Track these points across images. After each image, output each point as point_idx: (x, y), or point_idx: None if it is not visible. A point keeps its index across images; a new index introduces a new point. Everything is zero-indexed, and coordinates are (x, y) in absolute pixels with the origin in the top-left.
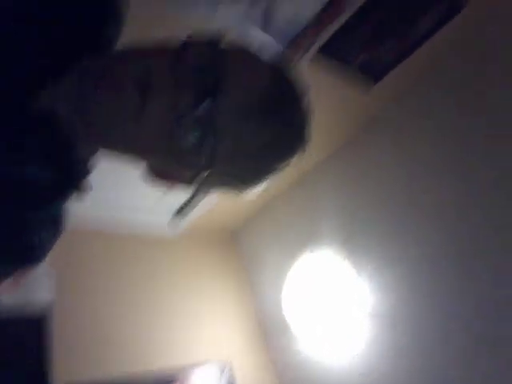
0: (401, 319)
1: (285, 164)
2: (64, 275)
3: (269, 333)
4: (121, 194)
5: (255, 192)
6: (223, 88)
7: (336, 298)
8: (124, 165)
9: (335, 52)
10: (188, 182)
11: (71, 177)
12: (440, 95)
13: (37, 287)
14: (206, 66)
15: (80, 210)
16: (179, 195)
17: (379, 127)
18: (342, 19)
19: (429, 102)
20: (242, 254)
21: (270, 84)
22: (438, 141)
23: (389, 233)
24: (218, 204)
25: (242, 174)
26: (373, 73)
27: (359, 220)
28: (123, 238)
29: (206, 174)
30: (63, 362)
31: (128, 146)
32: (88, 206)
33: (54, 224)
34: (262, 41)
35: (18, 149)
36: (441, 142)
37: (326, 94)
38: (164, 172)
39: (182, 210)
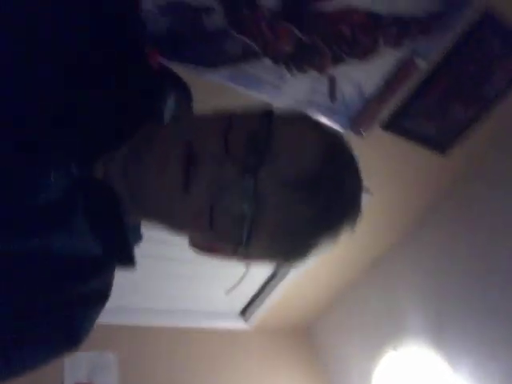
0: None
1: (333, 240)
2: (130, 371)
3: None
4: (186, 285)
5: (301, 265)
6: (270, 161)
7: None
8: (189, 257)
9: (400, 124)
10: (231, 254)
11: (120, 248)
12: None
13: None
14: (255, 137)
15: (146, 303)
16: (250, 285)
17: (453, 199)
18: (406, 92)
19: (504, 168)
20: (318, 350)
21: (323, 160)
22: None
23: (488, 316)
24: (290, 297)
25: (285, 249)
26: (441, 142)
27: (449, 304)
28: (190, 331)
29: (247, 248)
30: None
31: (171, 220)
32: (153, 299)
33: (98, 300)
34: (325, 116)
35: (68, 220)
36: None
37: (394, 170)
38: (206, 245)
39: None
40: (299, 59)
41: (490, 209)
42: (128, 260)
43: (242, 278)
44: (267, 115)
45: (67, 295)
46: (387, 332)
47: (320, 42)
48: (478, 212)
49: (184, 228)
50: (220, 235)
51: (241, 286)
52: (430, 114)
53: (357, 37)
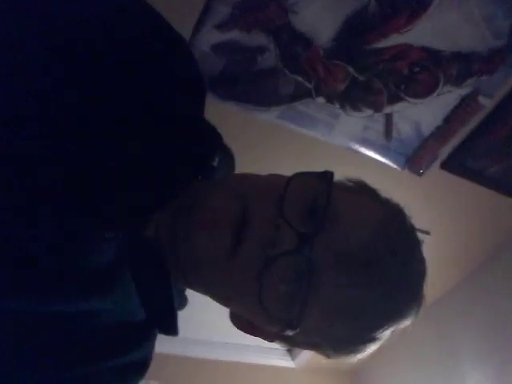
0: None
1: (389, 331)
2: None
3: None
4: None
5: (352, 360)
6: (327, 231)
7: None
8: None
9: (461, 164)
10: (273, 338)
11: (165, 315)
12: None
13: None
14: (313, 203)
15: (195, 334)
16: None
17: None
18: (468, 130)
19: None
20: None
21: (385, 234)
22: None
23: None
24: None
25: (336, 338)
26: (507, 184)
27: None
28: (237, 365)
29: (295, 329)
30: None
31: (213, 290)
32: (202, 330)
33: (138, 370)
34: (379, 154)
35: (116, 283)
36: None
37: (454, 211)
38: (248, 323)
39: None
40: (354, 98)
41: None
42: (171, 327)
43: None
44: (326, 179)
45: (106, 368)
46: (440, 379)
47: (376, 80)
48: None
49: (228, 300)
50: (268, 313)
51: None
52: (495, 154)
53: (415, 74)
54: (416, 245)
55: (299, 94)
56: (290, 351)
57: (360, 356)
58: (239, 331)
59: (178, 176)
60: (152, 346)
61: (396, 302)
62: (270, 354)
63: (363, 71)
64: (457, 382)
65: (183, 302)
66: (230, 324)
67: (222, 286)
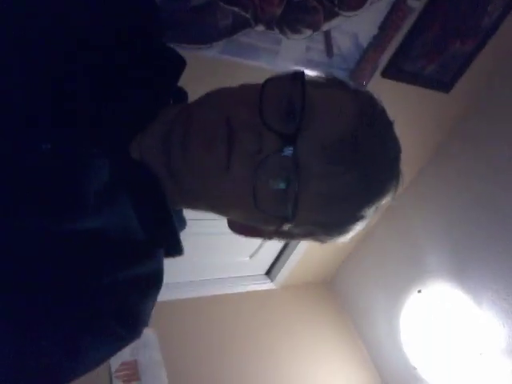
0: None
1: (376, 207)
2: (171, 345)
3: (392, 382)
4: (212, 255)
5: (344, 240)
6: (307, 127)
7: (460, 337)
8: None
9: (400, 69)
10: (271, 235)
11: (167, 234)
12: None
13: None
14: (290, 103)
15: (176, 278)
16: (271, 247)
17: (459, 135)
18: (400, 36)
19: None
20: (343, 301)
21: (361, 120)
22: None
23: (507, 246)
24: (310, 253)
25: (330, 221)
26: (444, 81)
27: (466, 239)
28: (222, 298)
29: (288, 226)
30: None
31: (214, 201)
32: (182, 273)
33: (151, 284)
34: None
35: (117, 200)
36: None
37: (399, 114)
38: (246, 226)
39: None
40: (292, 20)
41: (498, 140)
42: (175, 247)
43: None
44: (299, 78)
45: (119, 279)
46: (409, 275)
47: (310, 0)
48: (486, 145)
49: (228, 208)
50: (265, 213)
51: (263, 249)
52: (429, 53)
53: None
54: (390, 125)
55: (238, 25)
56: (268, 274)
57: (350, 235)
58: (213, 267)
59: (153, 100)
60: (160, 264)
61: (378, 180)
62: (250, 281)
63: None
64: (419, 267)
65: (182, 223)
66: (205, 261)
67: (222, 197)
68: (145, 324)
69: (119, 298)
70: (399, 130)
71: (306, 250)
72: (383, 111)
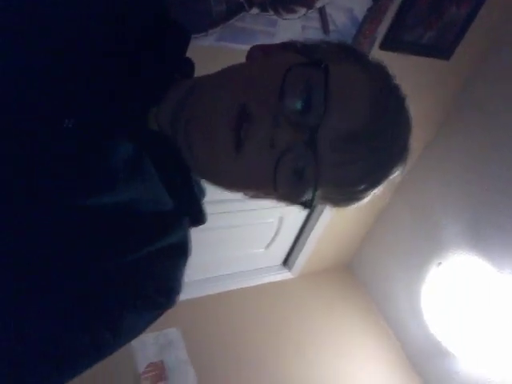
0: None
1: (389, 180)
2: (195, 342)
3: (420, 359)
4: (224, 249)
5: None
6: (326, 119)
7: (485, 306)
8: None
9: (399, 40)
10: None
11: (190, 202)
12: None
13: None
14: (310, 97)
15: (194, 276)
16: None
17: (466, 102)
18: (395, 6)
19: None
20: (363, 283)
21: (376, 109)
22: None
23: None
24: (325, 239)
25: (343, 199)
26: (443, 48)
27: (482, 207)
28: (242, 292)
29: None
30: None
31: (228, 182)
32: (199, 270)
33: (180, 253)
34: None
35: (141, 173)
36: None
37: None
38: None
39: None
40: (285, 0)
41: (505, 102)
42: (199, 214)
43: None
44: (323, 71)
45: (151, 250)
46: (427, 250)
47: None
48: (493, 109)
49: (246, 189)
50: (283, 198)
51: (278, 239)
52: (425, 21)
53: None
54: (403, 104)
55: (233, 11)
56: (285, 264)
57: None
58: (229, 261)
59: (163, 73)
60: (187, 232)
61: (391, 163)
62: (268, 273)
63: None
64: (440, 248)
65: (202, 191)
66: (220, 256)
67: (236, 183)
68: (178, 291)
69: (153, 268)
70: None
71: (321, 236)
72: (397, 90)
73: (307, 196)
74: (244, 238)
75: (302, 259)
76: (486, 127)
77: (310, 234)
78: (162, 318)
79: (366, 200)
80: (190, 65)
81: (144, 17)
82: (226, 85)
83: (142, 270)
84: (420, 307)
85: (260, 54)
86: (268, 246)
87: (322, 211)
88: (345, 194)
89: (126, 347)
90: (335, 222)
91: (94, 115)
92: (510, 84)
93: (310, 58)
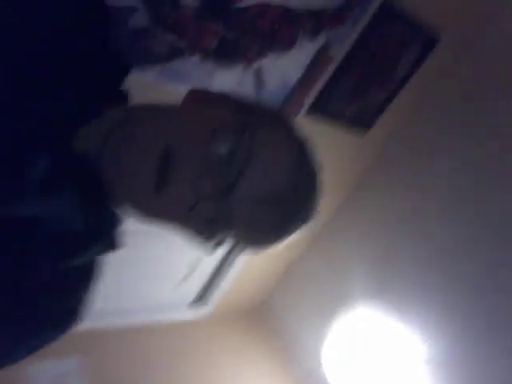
0: (458, 364)
1: (298, 231)
2: (94, 375)
3: None
4: (134, 284)
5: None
6: (245, 180)
7: (385, 353)
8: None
9: (324, 108)
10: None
11: (105, 226)
12: (435, 126)
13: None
14: (234, 154)
15: (99, 305)
16: (196, 279)
17: (381, 168)
18: (326, 77)
19: (421, 139)
20: (274, 327)
21: (294, 176)
22: (441, 171)
23: (425, 265)
24: (238, 282)
25: (249, 246)
26: (364, 120)
27: (388, 261)
28: (147, 328)
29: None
30: None
31: (144, 214)
32: (104, 300)
33: (89, 273)
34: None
35: (56, 191)
36: (443, 173)
37: (324, 149)
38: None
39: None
40: (225, 55)
41: (415, 176)
42: (112, 240)
43: (193, 269)
44: (249, 130)
45: (57, 270)
46: (336, 299)
47: (243, 38)
48: (401, 183)
49: (160, 223)
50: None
51: (192, 277)
52: (350, 97)
53: (276, 31)
54: (316, 177)
55: (173, 53)
56: (197, 302)
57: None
58: (140, 295)
59: (97, 99)
60: (96, 256)
61: (296, 223)
62: (179, 310)
63: (230, 30)
64: (348, 298)
65: (119, 218)
66: (132, 288)
67: (151, 214)
68: (79, 314)
69: (58, 287)
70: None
71: (235, 278)
72: (314, 163)
73: (216, 240)
74: (158, 272)
75: (214, 299)
76: (395, 194)
77: (225, 275)
78: (59, 346)
79: (271, 249)
80: (124, 96)
81: (87, 41)
82: (156, 124)
83: (48, 288)
84: (323, 354)
85: (195, 101)
86: (182, 282)
87: (239, 253)
88: (252, 244)
89: (21, 373)
90: (248, 267)
91: (17, 129)
92: (417, 161)
93: (240, 121)
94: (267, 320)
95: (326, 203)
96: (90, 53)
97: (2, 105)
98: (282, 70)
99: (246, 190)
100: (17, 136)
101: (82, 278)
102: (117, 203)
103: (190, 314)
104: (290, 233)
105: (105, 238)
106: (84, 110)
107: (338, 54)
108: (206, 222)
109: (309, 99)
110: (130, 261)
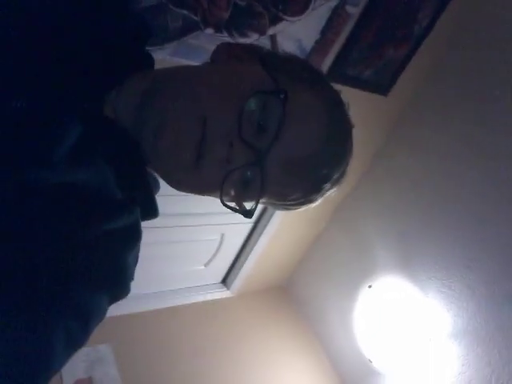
0: (487, 330)
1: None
2: (127, 359)
3: (351, 379)
4: (164, 266)
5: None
6: (278, 145)
7: (410, 326)
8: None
9: (342, 73)
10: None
11: (141, 193)
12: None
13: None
14: (265, 121)
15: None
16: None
17: (402, 133)
18: (341, 41)
19: (445, 96)
20: (299, 304)
21: (323, 138)
22: (462, 130)
23: (448, 238)
24: (264, 260)
25: (284, 207)
26: (381, 85)
27: (411, 233)
28: (178, 309)
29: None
30: None
31: (180, 186)
32: (135, 285)
33: (134, 235)
34: None
35: (88, 158)
36: (464, 133)
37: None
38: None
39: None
40: (239, 24)
41: (436, 138)
42: (151, 207)
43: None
44: (281, 99)
45: (104, 230)
46: (359, 272)
47: (256, 4)
48: (426, 144)
49: (193, 192)
50: (228, 208)
51: (218, 258)
52: (367, 59)
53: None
54: (349, 135)
55: (188, 28)
56: (224, 282)
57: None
58: (168, 278)
59: (122, 62)
60: (138, 219)
61: (328, 186)
62: (207, 290)
63: None
64: (372, 270)
65: (156, 184)
66: (159, 272)
67: (187, 189)
68: (132, 278)
69: (109, 249)
70: None
71: (260, 257)
72: (348, 119)
73: (249, 206)
74: (184, 255)
75: (240, 278)
76: (414, 159)
77: (249, 254)
78: (96, 332)
79: (302, 209)
80: (150, 59)
81: (107, 5)
82: (189, 92)
83: (99, 250)
84: (352, 328)
85: (226, 56)
86: (207, 263)
87: (262, 232)
88: (284, 205)
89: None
90: (274, 244)
91: (46, 96)
92: (439, 121)
93: (274, 81)
94: (293, 296)
95: (349, 173)
96: (112, 15)
97: (32, 68)
98: (297, 35)
99: (279, 153)
100: (48, 100)
101: (131, 237)
102: (152, 170)
103: (218, 294)
104: (324, 193)
105: (144, 204)
106: (109, 72)
107: (355, 10)
108: (241, 187)
109: (326, 64)
110: (157, 244)
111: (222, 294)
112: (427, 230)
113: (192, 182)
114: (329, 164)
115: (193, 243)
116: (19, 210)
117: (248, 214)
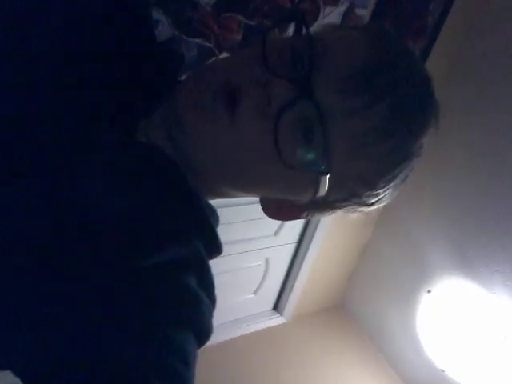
0: None
1: (418, 147)
2: None
3: None
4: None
5: (393, 195)
6: (319, 66)
7: (480, 327)
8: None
9: None
10: (310, 209)
11: (197, 222)
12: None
13: None
14: (295, 50)
15: None
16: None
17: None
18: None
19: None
20: (357, 320)
21: (369, 48)
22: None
23: (505, 227)
24: (314, 280)
25: (371, 171)
26: None
27: (467, 229)
28: (236, 341)
29: (326, 187)
30: None
31: (232, 173)
32: None
33: (202, 266)
34: None
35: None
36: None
37: None
38: (281, 207)
39: None
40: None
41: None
42: (213, 241)
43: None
44: (299, 20)
45: (157, 262)
46: (414, 278)
47: (266, 22)
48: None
49: (251, 174)
50: (294, 168)
51: (266, 284)
52: None
53: (298, 6)
54: (407, 50)
55: (203, 55)
56: (276, 308)
57: (392, 197)
58: (218, 310)
59: (159, 87)
60: (200, 248)
61: (414, 106)
62: (259, 319)
63: (252, 16)
64: (429, 274)
65: (214, 214)
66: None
67: (238, 160)
68: (210, 314)
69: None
70: None
71: (308, 277)
72: (396, 38)
73: (320, 160)
74: (230, 285)
75: (292, 302)
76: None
77: (297, 276)
78: None
79: (374, 207)
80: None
81: (140, 34)
82: (207, 67)
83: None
84: (416, 337)
85: None
86: (256, 291)
87: (307, 251)
88: (371, 163)
89: None
90: (321, 261)
91: (82, 123)
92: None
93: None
94: (349, 314)
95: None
96: (141, 42)
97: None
98: None
99: (324, 75)
100: (84, 128)
101: (183, 271)
102: (203, 194)
103: (272, 321)
104: (416, 124)
105: (204, 238)
106: (146, 98)
107: (365, 12)
108: (298, 133)
109: None
110: None
111: (276, 320)
112: (481, 221)
113: (236, 143)
114: (393, 72)
115: (237, 272)
116: (62, 230)
117: (321, 170)
